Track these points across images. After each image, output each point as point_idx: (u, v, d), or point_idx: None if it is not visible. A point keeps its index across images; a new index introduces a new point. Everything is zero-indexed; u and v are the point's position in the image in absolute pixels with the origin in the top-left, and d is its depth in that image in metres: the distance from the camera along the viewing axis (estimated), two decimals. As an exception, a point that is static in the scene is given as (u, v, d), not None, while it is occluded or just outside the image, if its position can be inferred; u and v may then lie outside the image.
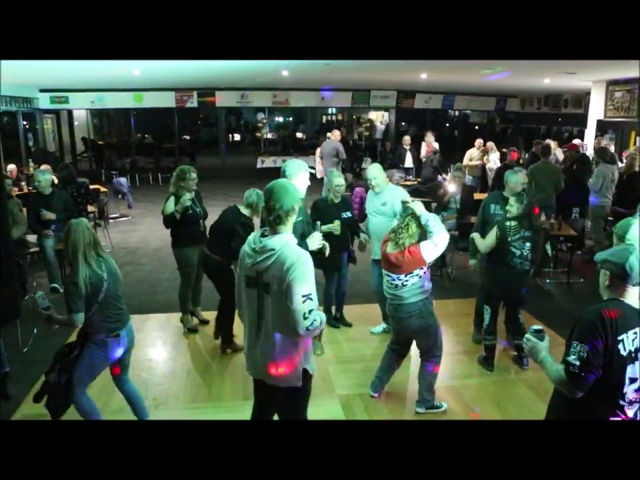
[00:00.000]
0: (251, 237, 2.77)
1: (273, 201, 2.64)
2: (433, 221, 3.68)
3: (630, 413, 2.24)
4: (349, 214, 5.20)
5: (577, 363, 2.20)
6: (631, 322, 2.19)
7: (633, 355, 2.18)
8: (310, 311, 2.57)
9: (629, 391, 2.21)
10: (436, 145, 11.85)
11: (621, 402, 2.23)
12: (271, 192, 2.68)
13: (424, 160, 11.75)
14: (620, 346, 2.17)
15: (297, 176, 4.01)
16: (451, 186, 7.01)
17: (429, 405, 4.06)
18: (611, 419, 2.25)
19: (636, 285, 2.22)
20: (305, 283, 2.56)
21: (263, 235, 2.72)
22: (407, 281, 3.75)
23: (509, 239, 4.43)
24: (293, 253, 2.61)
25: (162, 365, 4.93)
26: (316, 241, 3.54)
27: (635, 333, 2.19)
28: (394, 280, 3.80)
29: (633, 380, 2.21)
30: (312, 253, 2.88)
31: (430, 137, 12.27)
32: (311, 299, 2.58)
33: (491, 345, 4.73)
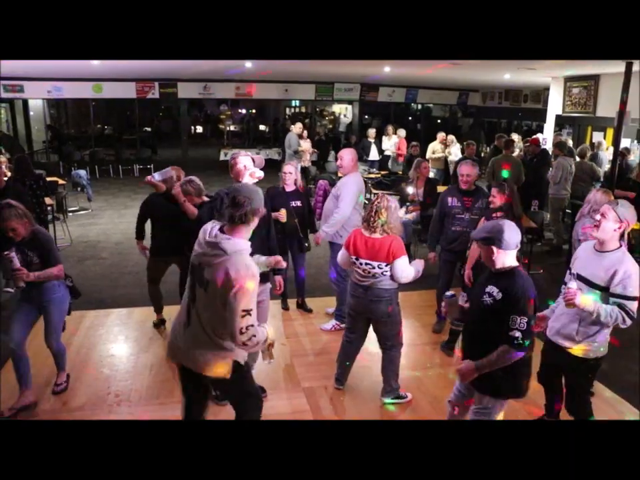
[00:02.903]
0: (208, 225, 2.63)
1: (244, 197, 2.56)
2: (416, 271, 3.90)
3: None
4: (299, 203, 5.48)
5: None
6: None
7: None
8: (247, 327, 2.47)
9: None
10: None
11: None
12: (240, 189, 2.64)
13: (393, 154, 12.01)
14: None
15: None
16: (409, 188, 7.02)
17: (396, 395, 4.11)
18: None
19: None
20: (247, 298, 2.45)
21: (221, 230, 2.59)
22: (386, 271, 3.80)
23: None
24: (244, 264, 2.48)
25: (124, 361, 4.84)
26: None
27: None
28: (373, 268, 3.81)
29: None
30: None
31: (402, 132, 12.57)
32: (250, 315, 2.47)
33: (457, 330, 4.79)
